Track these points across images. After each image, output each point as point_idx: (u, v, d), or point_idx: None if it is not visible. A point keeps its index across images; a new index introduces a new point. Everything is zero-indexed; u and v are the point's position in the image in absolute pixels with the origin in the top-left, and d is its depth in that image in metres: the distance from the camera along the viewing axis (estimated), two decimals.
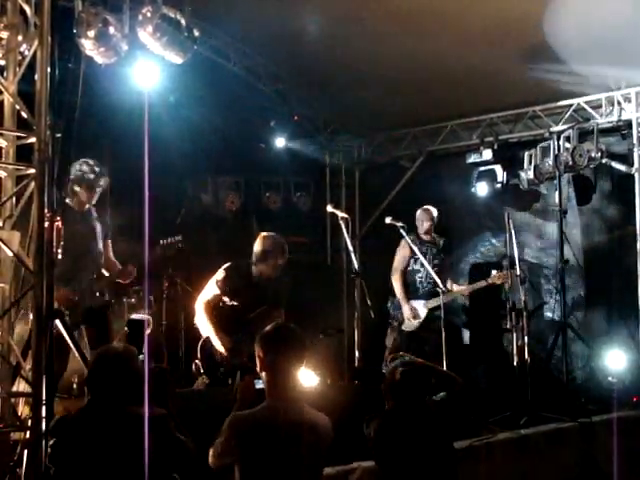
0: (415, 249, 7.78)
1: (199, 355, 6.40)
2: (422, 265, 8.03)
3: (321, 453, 3.86)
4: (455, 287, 8.26)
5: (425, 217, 8.32)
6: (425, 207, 8.38)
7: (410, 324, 8.16)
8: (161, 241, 6.52)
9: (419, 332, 8.13)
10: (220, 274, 6.49)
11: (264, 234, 6.65)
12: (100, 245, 6.39)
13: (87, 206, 6.33)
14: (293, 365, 3.84)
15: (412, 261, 8.22)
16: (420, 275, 8.20)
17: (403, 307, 8.15)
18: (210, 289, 6.51)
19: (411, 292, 8.23)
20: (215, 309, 6.45)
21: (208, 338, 6.37)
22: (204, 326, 6.43)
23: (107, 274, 6.39)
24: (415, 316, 8.12)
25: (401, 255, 8.25)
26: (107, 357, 3.97)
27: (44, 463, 4.00)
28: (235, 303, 6.48)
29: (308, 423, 3.80)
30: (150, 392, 3.77)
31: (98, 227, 6.40)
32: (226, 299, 6.48)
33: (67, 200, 6.16)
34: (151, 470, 3.61)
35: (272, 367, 3.83)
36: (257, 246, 6.53)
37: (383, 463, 4.40)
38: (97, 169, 6.23)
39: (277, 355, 3.82)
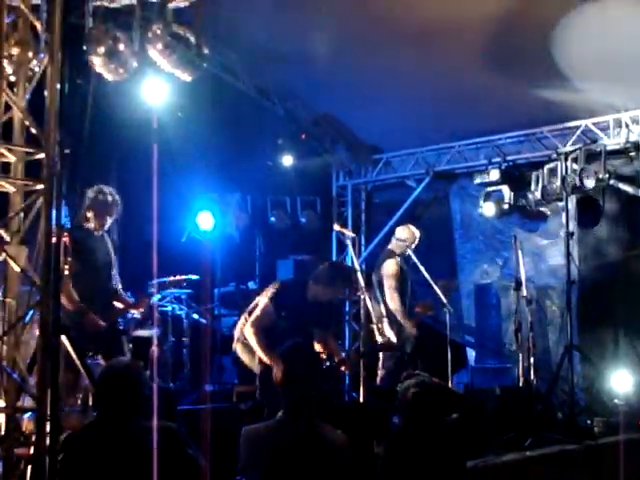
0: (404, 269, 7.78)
1: (259, 385, 6.03)
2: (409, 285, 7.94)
3: (335, 471, 3.84)
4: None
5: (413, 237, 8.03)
6: (411, 227, 8.14)
7: (410, 342, 7.87)
8: (166, 279, 6.68)
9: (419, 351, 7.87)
10: (271, 288, 6.25)
11: (337, 262, 6.49)
12: (115, 270, 6.36)
13: (101, 231, 6.31)
14: (307, 381, 3.90)
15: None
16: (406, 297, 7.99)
17: (404, 324, 7.71)
18: (260, 306, 6.18)
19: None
20: (266, 330, 6.03)
21: (268, 367, 5.84)
22: (254, 353, 6.05)
23: (121, 306, 6.34)
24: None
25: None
26: (114, 371, 3.97)
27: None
28: (283, 322, 6.10)
29: (321, 439, 3.81)
30: (156, 407, 3.77)
31: (111, 250, 6.36)
32: (277, 314, 6.10)
33: (84, 224, 6.19)
34: None
35: (286, 381, 3.92)
36: (327, 271, 6.30)
37: None
38: (111, 197, 6.19)
39: (291, 370, 3.91)
